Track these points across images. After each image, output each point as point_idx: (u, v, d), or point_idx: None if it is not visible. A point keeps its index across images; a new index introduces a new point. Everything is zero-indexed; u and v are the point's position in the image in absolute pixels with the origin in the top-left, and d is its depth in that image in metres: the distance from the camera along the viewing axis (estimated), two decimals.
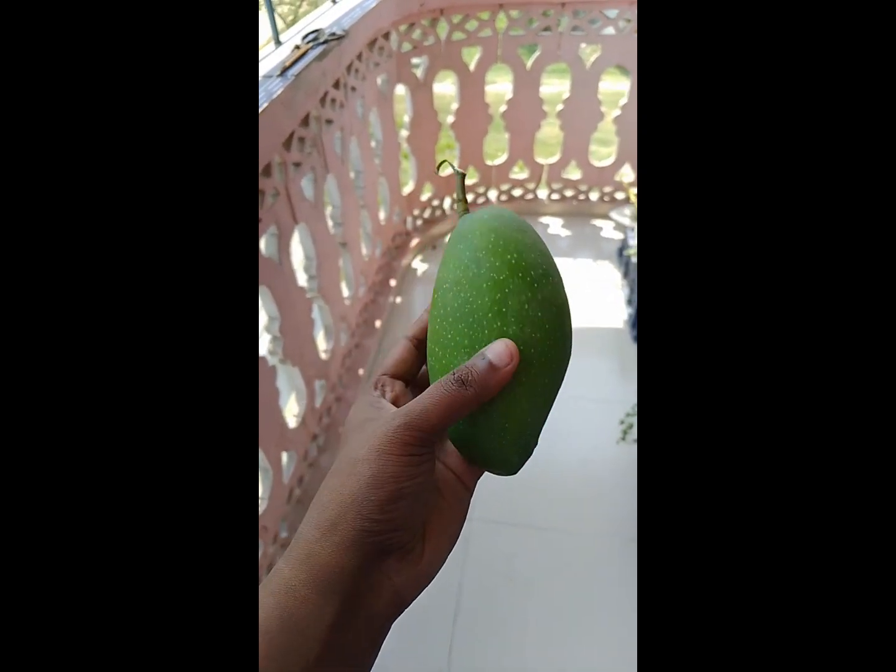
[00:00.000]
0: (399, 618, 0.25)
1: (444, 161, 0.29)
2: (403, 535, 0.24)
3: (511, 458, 0.26)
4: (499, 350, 0.23)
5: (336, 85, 1.28)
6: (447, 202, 2.21)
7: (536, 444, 0.26)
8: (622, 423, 1.26)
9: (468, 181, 2.21)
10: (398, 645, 1.06)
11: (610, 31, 1.91)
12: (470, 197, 2.24)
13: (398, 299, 1.92)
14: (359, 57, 1.42)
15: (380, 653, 0.25)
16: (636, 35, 1.88)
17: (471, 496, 0.28)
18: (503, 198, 2.28)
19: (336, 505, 0.23)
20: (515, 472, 0.26)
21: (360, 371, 1.58)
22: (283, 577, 0.22)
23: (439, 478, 0.27)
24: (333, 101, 1.26)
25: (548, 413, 0.26)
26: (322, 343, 1.43)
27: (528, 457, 0.26)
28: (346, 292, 1.57)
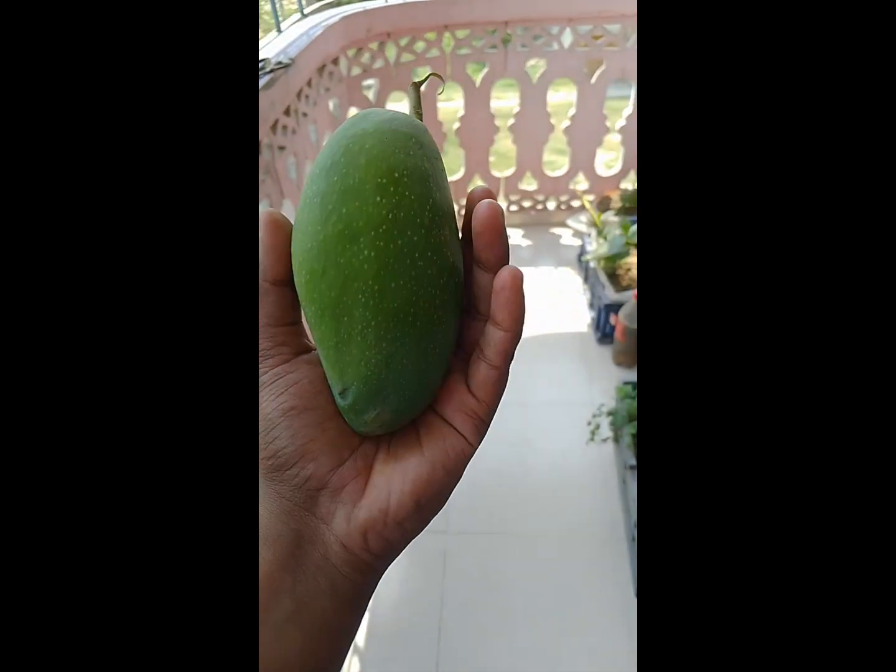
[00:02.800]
0: (384, 634, 0.24)
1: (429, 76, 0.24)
2: (310, 467, 0.21)
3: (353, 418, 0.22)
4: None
5: (287, 112, 1.30)
6: None
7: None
8: (590, 424, 1.28)
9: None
10: (385, 664, 1.06)
11: (554, 46, 1.98)
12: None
13: None
14: (308, 83, 1.44)
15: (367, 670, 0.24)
16: (579, 49, 1.96)
17: (464, 446, 0.23)
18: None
19: None
20: (362, 428, 0.22)
21: None
22: None
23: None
24: (285, 127, 1.28)
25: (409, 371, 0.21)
26: None
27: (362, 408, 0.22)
28: None
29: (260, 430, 0.21)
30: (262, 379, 0.22)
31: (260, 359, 0.22)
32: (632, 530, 1.19)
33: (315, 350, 0.23)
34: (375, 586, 0.24)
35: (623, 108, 2.12)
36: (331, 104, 1.68)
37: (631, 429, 1.20)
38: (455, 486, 0.23)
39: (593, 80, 2.03)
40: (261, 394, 0.21)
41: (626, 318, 1.54)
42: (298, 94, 1.38)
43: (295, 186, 1.35)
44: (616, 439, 1.34)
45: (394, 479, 0.22)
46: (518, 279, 0.21)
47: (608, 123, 2.12)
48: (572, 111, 2.10)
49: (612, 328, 1.65)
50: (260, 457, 0.21)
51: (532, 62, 2.02)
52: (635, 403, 1.24)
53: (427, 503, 0.22)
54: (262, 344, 0.22)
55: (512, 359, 0.22)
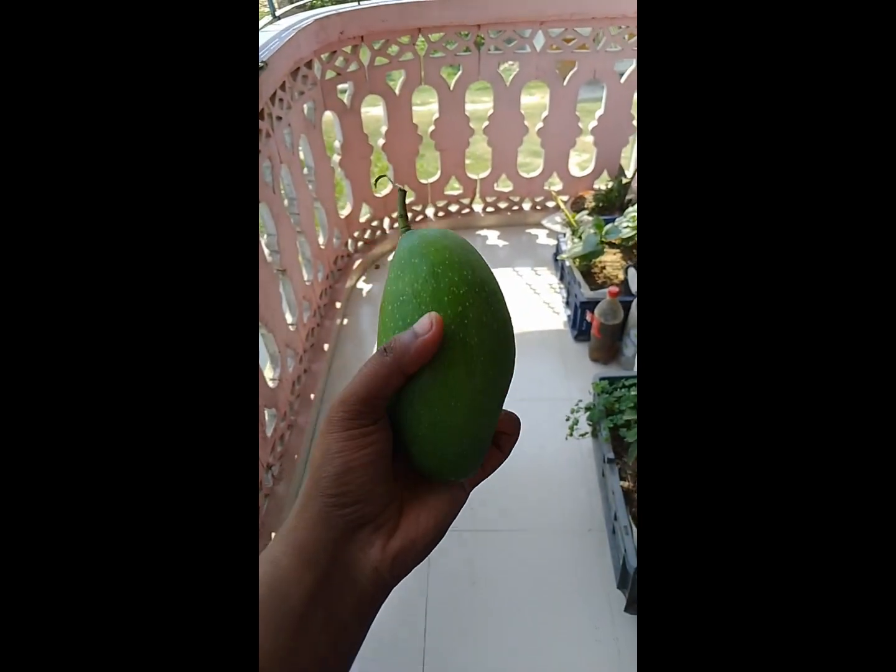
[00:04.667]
0: (370, 633, 0.27)
1: (382, 176, 0.31)
2: (367, 508, 0.26)
3: (445, 467, 0.27)
4: (422, 321, 0.24)
5: (260, 115, 1.29)
6: (386, 222, 2.25)
7: (479, 461, 0.28)
8: (568, 419, 1.30)
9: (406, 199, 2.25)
10: (371, 662, 1.06)
11: (526, 49, 2.01)
12: (408, 214, 2.28)
13: (345, 321, 1.92)
14: (282, 87, 1.44)
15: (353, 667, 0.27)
16: (551, 52, 1.98)
17: (463, 495, 0.30)
18: (440, 214, 2.33)
19: (305, 488, 0.26)
20: (446, 478, 0.28)
21: (312, 396, 1.57)
22: (271, 552, 0.26)
23: None
24: (259, 131, 1.28)
25: (491, 426, 0.28)
26: (269, 372, 1.42)
27: (464, 468, 0.28)
28: (289, 318, 1.57)
29: (335, 470, 0.25)
30: (352, 433, 0.26)
31: (357, 417, 0.26)
32: (612, 523, 1.22)
33: (383, 419, 0.28)
34: (381, 606, 0.28)
35: (595, 110, 2.16)
36: (305, 107, 1.68)
37: (608, 423, 1.23)
38: (451, 523, 0.29)
39: (565, 82, 2.06)
40: (347, 443, 0.25)
41: (601, 315, 1.57)
42: (272, 98, 1.38)
43: (270, 190, 1.35)
44: (594, 434, 1.37)
45: (421, 515, 0.28)
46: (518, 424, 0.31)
47: (581, 125, 2.15)
48: (545, 113, 2.13)
49: (588, 325, 1.68)
50: (328, 492, 0.26)
51: (505, 65, 2.05)
52: (611, 398, 1.26)
53: (442, 532, 0.28)
54: (365, 407, 0.26)
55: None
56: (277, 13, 1.62)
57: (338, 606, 0.26)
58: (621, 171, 2.18)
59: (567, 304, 1.89)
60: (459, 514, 0.30)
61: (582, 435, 1.34)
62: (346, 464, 0.25)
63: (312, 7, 1.79)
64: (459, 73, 2.02)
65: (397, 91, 1.98)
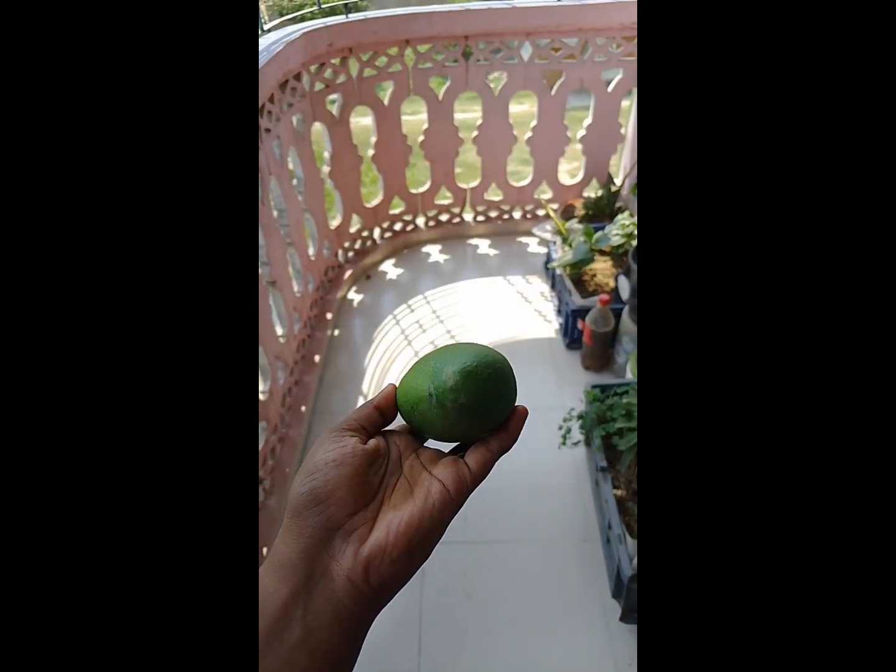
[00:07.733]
0: (365, 646, 0.27)
1: None
2: (331, 509, 0.27)
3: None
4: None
5: None
6: (377, 232, 2.25)
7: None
8: (561, 428, 1.30)
9: (395, 210, 2.25)
10: None
11: (514, 59, 2.02)
12: (398, 225, 2.29)
13: (336, 332, 1.92)
14: (270, 99, 1.44)
15: None
16: (539, 62, 2.00)
17: (445, 496, 0.29)
18: (431, 223, 2.33)
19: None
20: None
21: (303, 408, 1.56)
22: (260, 570, 0.27)
23: (409, 471, 0.31)
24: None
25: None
26: (259, 384, 1.41)
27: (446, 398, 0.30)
28: (279, 330, 1.56)
29: (304, 467, 0.28)
30: (323, 437, 0.30)
31: (338, 434, 0.30)
32: (605, 532, 1.21)
33: (362, 442, 0.31)
34: (371, 622, 0.28)
35: (583, 118, 2.17)
36: (294, 120, 1.68)
37: (600, 431, 1.22)
38: (440, 535, 0.29)
39: (553, 91, 2.08)
40: (319, 446, 0.29)
41: (592, 323, 1.57)
42: (261, 110, 1.38)
43: (259, 201, 1.35)
44: (587, 442, 1.36)
45: (392, 522, 0.28)
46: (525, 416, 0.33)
47: (569, 133, 2.17)
48: (534, 122, 2.14)
49: (580, 333, 1.68)
50: (296, 491, 0.28)
51: (493, 75, 2.06)
52: (603, 406, 1.26)
53: (416, 545, 0.28)
54: (342, 426, 0.31)
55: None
56: (266, 26, 1.63)
57: (316, 622, 0.26)
58: (610, 179, 2.19)
59: (559, 312, 1.90)
60: (453, 524, 0.29)
61: (575, 444, 1.34)
62: (311, 459, 0.28)
63: (303, 20, 1.80)
64: (448, 83, 2.03)
65: (386, 102, 1.99)
